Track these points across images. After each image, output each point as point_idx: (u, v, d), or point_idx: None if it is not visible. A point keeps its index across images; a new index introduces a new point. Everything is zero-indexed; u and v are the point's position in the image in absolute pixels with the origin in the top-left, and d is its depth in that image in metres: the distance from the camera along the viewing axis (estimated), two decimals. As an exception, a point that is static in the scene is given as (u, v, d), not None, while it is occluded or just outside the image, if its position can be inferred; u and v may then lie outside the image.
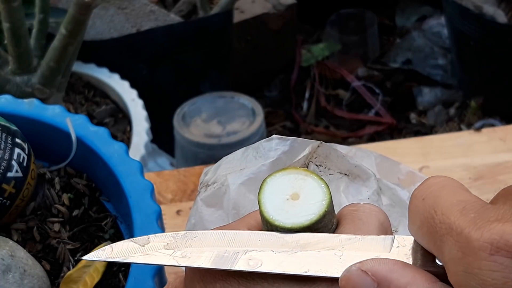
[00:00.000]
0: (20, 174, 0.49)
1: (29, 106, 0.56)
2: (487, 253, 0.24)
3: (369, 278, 0.27)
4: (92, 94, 1.24)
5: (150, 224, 0.47)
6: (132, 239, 0.31)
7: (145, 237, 0.31)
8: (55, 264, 0.50)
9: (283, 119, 1.79)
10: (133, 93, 1.21)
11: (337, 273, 0.28)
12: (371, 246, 0.30)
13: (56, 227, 0.51)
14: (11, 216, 0.50)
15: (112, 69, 1.26)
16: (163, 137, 1.34)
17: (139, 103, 1.19)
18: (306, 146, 0.44)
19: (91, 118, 1.18)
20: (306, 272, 0.29)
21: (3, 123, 0.50)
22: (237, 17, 1.65)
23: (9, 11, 0.83)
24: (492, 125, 1.62)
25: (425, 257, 0.28)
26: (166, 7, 1.57)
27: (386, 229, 0.31)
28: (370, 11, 1.94)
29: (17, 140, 0.50)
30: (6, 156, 0.48)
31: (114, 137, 1.13)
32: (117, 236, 0.51)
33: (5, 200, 0.48)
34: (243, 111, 1.40)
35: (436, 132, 1.68)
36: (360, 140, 1.68)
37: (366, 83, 1.85)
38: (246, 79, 1.74)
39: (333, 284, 0.29)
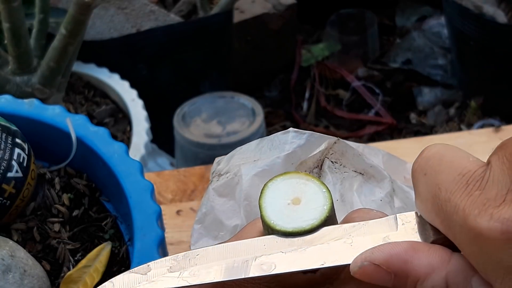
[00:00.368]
0: (20, 174, 0.49)
1: (29, 106, 0.56)
2: (500, 243, 0.24)
3: (383, 271, 0.27)
4: (92, 94, 1.24)
5: (150, 224, 0.47)
6: (131, 270, 0.31)
7: (144, 265, 0.30)
8: (55, 264, 0.50)
9: (283, 119, 1.79)
10: (133, 93, 1.21)
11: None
12: (377, 229, 0.29)
13: (56, 227, 0.51)
14: (11, 216, 0.50)
15: (112, 69, 1.26)
16: (163, 137, 1.34)
17: (139, 103, 1.19)
18: (323, 142, 0.44)
19: (91, 118, 1.18)
20: (323, 264, 0.29)
21: (3, 123, 0.50)
22: (237, 17, 1.65)
23: (9, 11, 0.83)
24: (492, 125, 1.62)
25: (434, 229, 0.28)
26: (166, 7, 1.57)
27: None
28: (370, 11, 1.94)
29: (17, 140, 0.50)
30: (6, 156, 0.48)
31: (114, 137, 1.13)
32: (117, 237, 0.51)
33: (5, 200, 0.48)
34: (243, 111, 1.40)
35: (436, 132, 1.68)
36: (360, 140, 1.68)
37: (366, 83, 1.85)
38: (246, 79, 1.74)
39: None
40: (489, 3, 1.54)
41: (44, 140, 0.55)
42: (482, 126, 1.64)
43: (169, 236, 0.59)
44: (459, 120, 1.71)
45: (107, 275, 0.49)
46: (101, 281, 0.48)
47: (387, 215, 0.31)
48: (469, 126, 1.67)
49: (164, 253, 0.48)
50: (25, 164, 0.49)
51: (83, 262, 0.49)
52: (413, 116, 1.77)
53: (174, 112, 1.38)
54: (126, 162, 0.51)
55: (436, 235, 0.28)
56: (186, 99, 1.41)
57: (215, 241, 0.41)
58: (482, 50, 1.60)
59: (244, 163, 0.43)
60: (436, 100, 1.78)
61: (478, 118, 1.67)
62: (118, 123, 1.20)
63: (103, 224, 0.52)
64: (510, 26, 1.52)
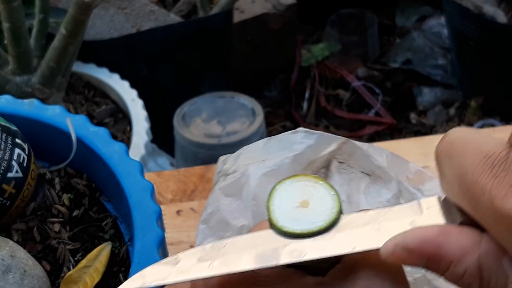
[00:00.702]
0: (20, 174, 0.49)
1: (29, 106, 0.56)
2: None
3: (417, 256, 0.27)
4: (92, 94, 1.24)
5: (150, 224, 0.47)
6: (160, 262, 0.30)
7: (173, 257, 0.30)
8: (55, 265, 0.50)
9: (283, 119, 1.79)
10: (133, 93, 1.21)
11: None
12: (403, 213, 0.29)
13: (56, 227, 0.51)
14: (11, 217, 0.50)
15: (112, 69, 1.26)
16: (163, 137, 1.34)
17: (139, 103, 1.19)
18: (332, 142, 0.43)
19: (91, 118, 1.18)
20: (354, 248, 0.29)
21: (3, 123, 0.50)
22: (237, 17, 1.65)
23: (9, 11, 0.83)
24: (492, 125, 1.62)
25: (461, 211, 0.28)
26: (166, 7, 1.57)
27: None
28: (370, 11, 1.94)
29: (17, 141, 0.50)
30: (6, 157, 0.48)
31: (114, 137, 1.13)
32: (117, 237, 0.51)
33: (5, 201, 0.48)
34: (243, 111, 1.40)
35: (436, 132, 1.68)
36: (360, 140, 1.67)
37: (366, 83, 1.85)
38: (246, 79, 1.74)
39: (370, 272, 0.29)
40: (489, 3, 1.54)
41: (44, 140, 0.55)
42: (482, 126, 1.64)
43: (169, 236, 0.59)
44: (459, 120, 1.71)
45: (107, 275, 0.49)
46: (101, 281, 0.48)
47: None
48: (469, 126, 1.67)
49: (164, 253, 0.48)
50: (25, 164, 0.49)
51: (83, 262, 0.49)
52: (413, 116, 1.77)
53: (174, 112, 1.38)
54: (126, 162, 0.51)
55: (463, 216, 0.28)
56: (186, 99, 1.41)
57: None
58: (482, 50, 1.60)
59: (252, 162, 0.43)
60: (436, 100, 1.78)
61: (478, 118, 1.67)
62: (118, 123, 1.20)
63: (103, 224, 0.52)
64: (510, 26, 1.52)
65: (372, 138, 1.71)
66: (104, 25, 1.41)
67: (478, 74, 1.70)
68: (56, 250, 0.50)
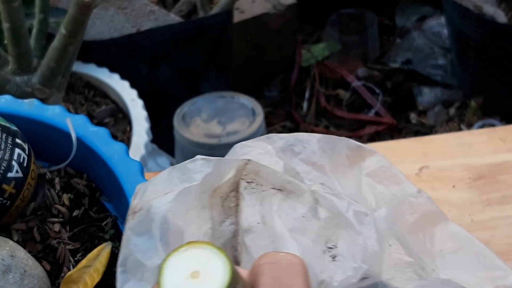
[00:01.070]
0: (20, 174, 0.49)
1: (29, 107, 0.56)
2: None
3: None
4: (92, 94, 1.24)
5: (150, 225, 0.47)
6: None
7: None
8: (56, 265, 0.50)
9: (283, 119, 1.79)
10: (133, 93, 1.21)
11: None
12: None
13: (56, 227, 0.51)
14: (11, 217, 0.50)
15: (112, 69, 1.26)
16: (163, 137, 1.34)
17: (139, 103, 1.19)
18: (233, 166, 0.42)
19: (91, 118, 1.18)
20: None
21: (3, 123, 0.50)
22: (237, 17, 1.65)
23: (9, 11, 0.83)
24: (492, 125, 1.62)
25: None
26: (166, 7, 1.57)
27: (308, 285, 0.30)
28: (370, 11, 1.94)
29: (17, 141, 0.50)
30: (6, 157, 0.48)
31: (114, 137, 1.13)
32: (117, 237, 0.51)
33: (5, 201, 0.48)
34: (243, 111, 1.40)
35: (436, 132, 1.68)
36: (360, 140, 1.68)
37: (366, 83, 1.85)
38: (246, 79, 1.74)
39: None
40: (489, 3, 1.54)
41: (44, 140, 0.55)
42: (482, 126, 1.64)
43: (169, 236, 0.59)
44: (459, 120, 1.71)
45: (107, 275, 0.49)
46: (101, 281, 0.48)
47: (295, 255, 0.31)
48: (469, 126, 1.67)
49: (164, 253, 0.48)
50: (25, 164, 0.49)
51: (83, 262, 0.49)
52: (413, 116, 1.77)
53: (174, 112, 1.38)
54: (126, 162, 0.51)
55: None
56: (186, 99, 1.41)
57: (141, 283, 0.40)
58: (482, 50, 1.60)
59: (155, 197, 0.41)
60: (436, 100, 1.78)
61: (478, 118, 1.67)
62: (118, 123, 1.20)
63: (103, 224, 0.52)
64: (510, 26, 1.52)
65: (372, 138, 1.71)
66: (104, 25, 1.41)
67: (478, 74, 1.70)
68: (56, 250, 0.50)
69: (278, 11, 1.76)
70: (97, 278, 0.48)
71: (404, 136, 1.70)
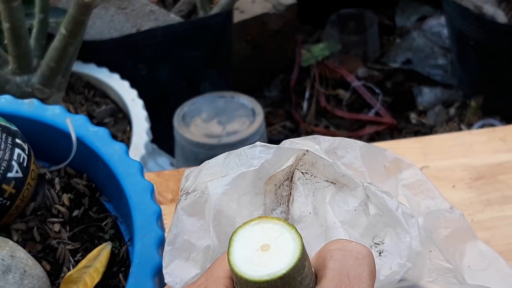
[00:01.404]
0: (20, 174, 0.49)
1: (29, 107, 0.56)
2: None
3: None
4: (92, 94, 1.24)
5: (150, 225, 0.47)
6: None
7: None
8: (55, 265, 0.50)
9: (283, 119, 1.79)
10: (133, 93, 1.21)
11: None
12: None
13: (56, 227, 0.51)
14: (11, 217, 0.50)
15: (112, 69, 1.26)
16: (163, 137, 1.34)
17: (139, 103, 1.19)
18: (291, 155, 0.42)
19: (91, 118, 1.18)
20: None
21: (3, 123, 0.50)
22: (237, 17, 1.65)
23: (9, 11, 0.83)
24: (492, 125, 1.62)
25: None
26: (166, 7, 1.57)
27: (374, 278, 0.31)
28: (370, 11, 1.94)
29: (17, 141, 0.50)
30: (6, 157, 0.48)
31: (114, 137, 1.13)
32: (117, 237, 0.51)
33: (5, 201, 0.48)
34: (243, 111, 1.40)
35: (436, 132, 1.68)
36: (360, 140, 1.68)
37: (366, 83, 1.85)
38: (246, 79, 1.74)
39: None
40: (489, 3, 1.54)
41: (44, 140, 0.55)
42: (482, 126, 1.64)
43: (169, 236, 0.59)
44: (459, 120, 1.71)
45: (107, 275, 0.49)
46: (101, 282, 0.48)
47: (365, 246, 0.31)
48: (469, 126, 1.67)
49: (164, 253, 0.48)
50: (25, 164, 0.49)
51: (83, 262, 0.49)
52: (413, 116, 1.77)
53: (174, 112, 1.38)
54: (126, 162, 0.51)
55: None
56: (186, 99, 1.41)
57: (187, 263, 0.40)
58: (482, 50, 1.60)
59: (211, 179, 0.41)
60: (436, 100, 1.78)
61: (478, 118, 1.67)
62: (118, 123, 1.20)
63: (103, 224, 0.52)
64: (510, 26, 1.52)
65: (372, 138, 1.71)
66: (104, 25, 1.41)
67: (478, 74, 1.70)
68: (56, 250, 0.50)
69: (278, 11, 1.76)
70: (97, 278, 0.48)
71: (404, 136, 1.70)
